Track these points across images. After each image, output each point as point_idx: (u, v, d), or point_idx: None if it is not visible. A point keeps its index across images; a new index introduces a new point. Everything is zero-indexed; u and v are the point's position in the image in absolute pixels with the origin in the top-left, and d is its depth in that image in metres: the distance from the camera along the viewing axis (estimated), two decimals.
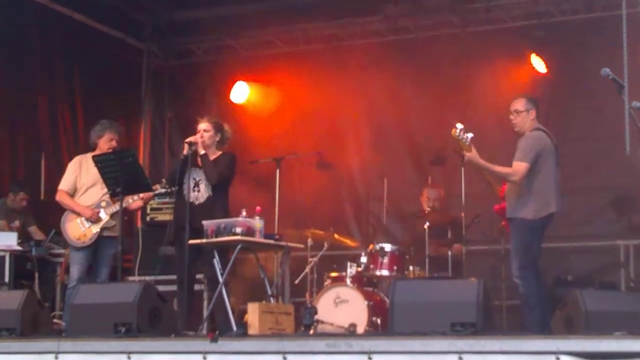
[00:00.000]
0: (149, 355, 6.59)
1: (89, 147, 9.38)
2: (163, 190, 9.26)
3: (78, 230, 9.01)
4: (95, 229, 8.99)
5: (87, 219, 8.98)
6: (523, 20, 11.54)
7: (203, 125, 8.96)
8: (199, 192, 8.76)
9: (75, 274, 8.92)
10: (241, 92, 12.82)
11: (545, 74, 11.38)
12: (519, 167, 8.02)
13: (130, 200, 9.07)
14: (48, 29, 11.46)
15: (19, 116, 11.42)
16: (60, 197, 9.18)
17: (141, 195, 9.09)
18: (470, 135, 7.90)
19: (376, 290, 9.42)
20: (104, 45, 12.32)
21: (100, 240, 9.01)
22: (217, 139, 8.97)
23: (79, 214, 9.02)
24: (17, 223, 10.56)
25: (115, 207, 8.92)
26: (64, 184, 9.20)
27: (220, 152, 8.98)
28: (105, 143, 9.16)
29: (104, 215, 9.01)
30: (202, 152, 8.76)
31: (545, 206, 8.08)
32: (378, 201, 12.18)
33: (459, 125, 7.90)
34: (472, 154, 7.92)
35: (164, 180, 9.16)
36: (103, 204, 9.04)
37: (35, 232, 10.70)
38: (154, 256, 10.11)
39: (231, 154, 9.02)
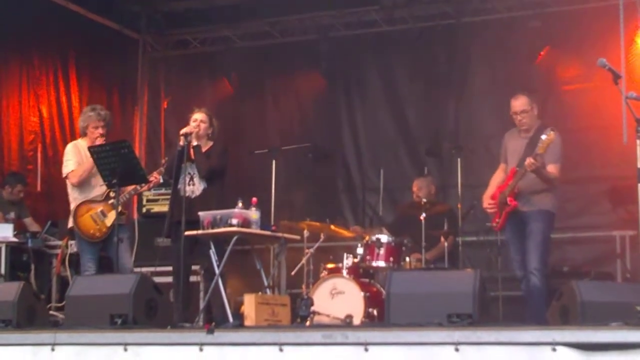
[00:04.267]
0: (145, 347, 6.57)
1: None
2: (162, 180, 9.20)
3: (92, 224, 8.84)
4: (109, 221, 8.83)
5: (101, 211, 8.85)
6: (518, 11, 11.53)
7: (199, 116, 8.93)
8: (194, 185, 8.75)
9: (92, 267, 8.79)
10: (237, 83, 12.80)
11: (540, 63, 11.39)
12: (557, 169, 8.17)
13: (133, 192, 9.04)
14: (43, 20, 11.43)
15: (15, 108, 11.39)
16: (75, 175, 8.89)
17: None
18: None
19: (372, 282, 9.42)
20: (99, 36, 12.32)
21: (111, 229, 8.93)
22: (210, 131, 8.98)
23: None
24: (12, 215, 10.55)
25: (126, 196, 8.91)
26: (71, 167, 8.95)
27: (212, 143, 8.97)
28: (92, 132, 8.98)
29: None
30: (195, 143, 8.74)
31: (559, 199, 8.28)
32: (374, 192, 12.20)
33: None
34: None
35: (162, 169, 9.11)
36: (112, 194, 8.97)
37: (31, 223, 10.70)
38: (150, 248, 10.10)
39: (223, 144, 9.02)
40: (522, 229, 8.22)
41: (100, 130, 8.98)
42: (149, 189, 9.68)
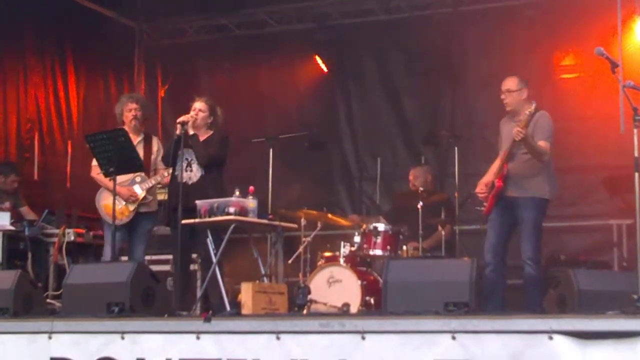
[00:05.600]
0: (142, 335, 6.58)
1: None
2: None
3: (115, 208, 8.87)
4: (133, 206, 8.89)
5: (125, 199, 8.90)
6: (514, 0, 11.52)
7: (199, 105, 8.90)
8: (192, 171, 8.73)
9: (110, 253, 8.81)
10: (233, 72, 12.78)
11: (537, 51, 11.38)
12: (547, 146, 8.05)
13: (166, 174, 9.05)
14: (40, 8, 11.39)
15: (12, 96, 11.37)
16: (95, 174, 8.98)
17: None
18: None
19: (370, 270, 9.42)
20: (96, 24, 12.28)
21: (136, 217, 8.95)
22: (210, 121, 8.94)
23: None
24: (7, 204, 10.52)
25: (151, 182, 8.93)
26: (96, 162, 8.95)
27: (211, 132, 8.94)
28: (127, 116, 9.09)
29: (139, 191, 8.93)
30: (191, 132, 8.70)
31: (555, 186, 8.19)
32: (371, 181, 12.21)
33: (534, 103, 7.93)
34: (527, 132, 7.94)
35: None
36: (138, 179, 8.93)
37: (27, 212, 10.66)
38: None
39: (223, 134, 8.97)
40: (509, 215, 8.13)
41: (133, 112, 9.10)
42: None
